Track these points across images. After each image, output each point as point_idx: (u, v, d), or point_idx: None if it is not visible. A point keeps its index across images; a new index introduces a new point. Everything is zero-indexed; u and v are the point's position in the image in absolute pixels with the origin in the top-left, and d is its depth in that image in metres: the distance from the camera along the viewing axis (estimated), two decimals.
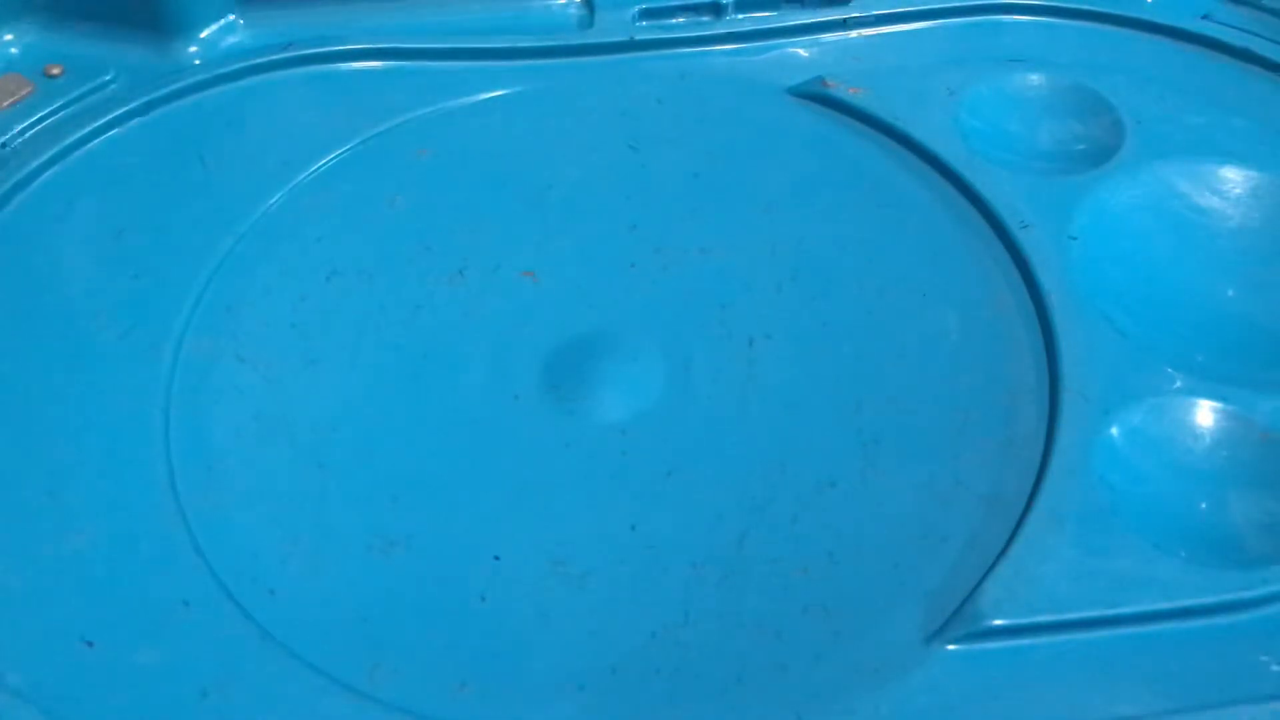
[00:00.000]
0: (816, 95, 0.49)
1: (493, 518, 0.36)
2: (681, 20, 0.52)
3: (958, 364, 0.40)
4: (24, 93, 0.48)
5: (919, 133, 0.46)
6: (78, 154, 0.47)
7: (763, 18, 0.52)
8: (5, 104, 0.48)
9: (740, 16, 0.52)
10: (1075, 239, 0.43)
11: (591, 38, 0.51)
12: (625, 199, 0.46)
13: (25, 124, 0.47)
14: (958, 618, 0.34)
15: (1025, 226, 0.43)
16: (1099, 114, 0.47)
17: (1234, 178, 0.45)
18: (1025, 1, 0.52)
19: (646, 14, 0.52)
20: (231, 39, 0.51)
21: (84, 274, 0.43)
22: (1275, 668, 0.33)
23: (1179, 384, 0.38)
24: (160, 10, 0.50)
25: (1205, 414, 0.38)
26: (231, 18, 0.51)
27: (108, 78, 0.49)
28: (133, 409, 0.39)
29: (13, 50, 0.51)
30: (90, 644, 0.34)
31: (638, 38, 0.51)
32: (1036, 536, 0.35)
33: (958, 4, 0.52)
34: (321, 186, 0.46)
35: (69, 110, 0.48)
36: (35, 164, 0.46)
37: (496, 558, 0.35)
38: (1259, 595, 0.34)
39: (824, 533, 0.36)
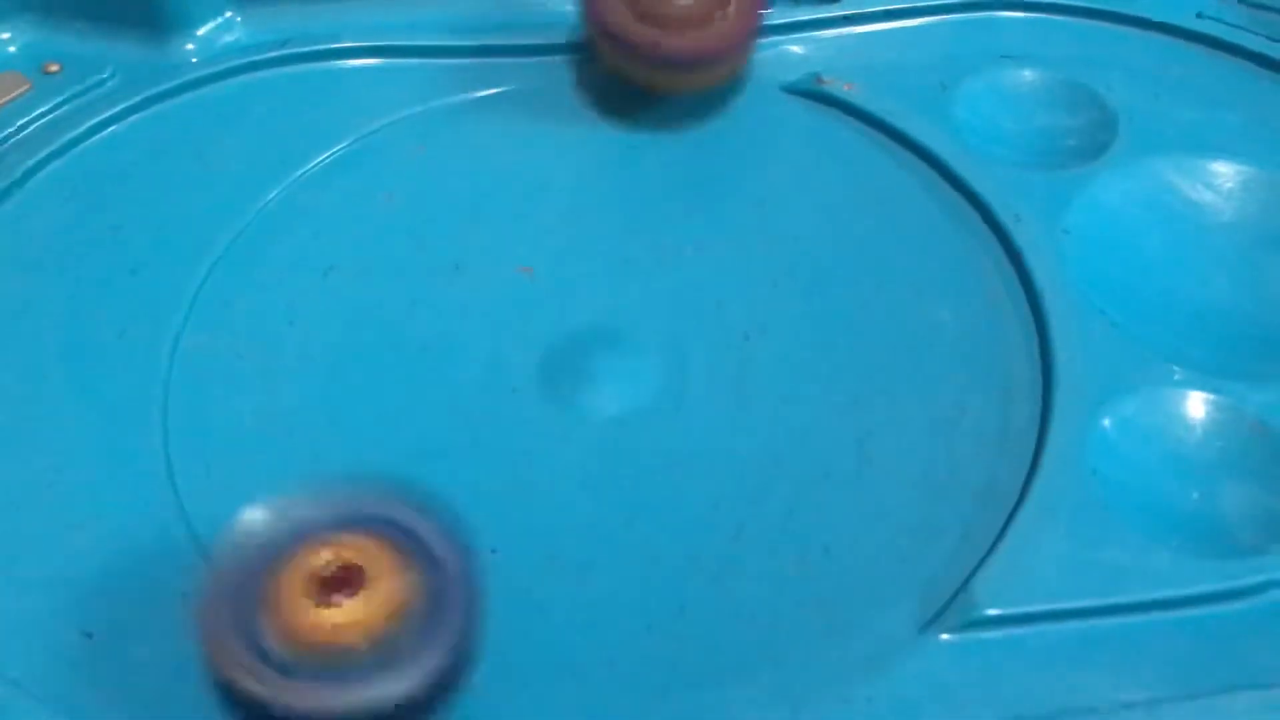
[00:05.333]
0: (811, 92, 0.49)
1: (489, 511, 0.37)
2: None
3: (951, 357, 0.40)
4: (21, 90, 0.48)
5: (913, 128, 0.47)
6: (75, 151, 0.47)
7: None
8: (2, 101, 0.48)
9: None
10: (1068, 233, 0.43)
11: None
12: (621, 195, 0.46)
13: (22, 121, 0.47)
14: (952, 608, 0.34)
15: (1018, 220, 0.43)
16: (1092, 109, 0.47)
17: (1226, 172, 0.45)
18: None
19: None
20: (229, 36, 0.51)
21: (81, 271, 0.43)
22: (1266, 656, 0.33)
23: (1171, 376, 0.39)
24: (158, 8, 0.50)
25: (1197, 406, 0.38)
26: (229, 15, 0.51)
27: (105, 75, 0.49)
28: (131, 404, 0.39)
29: (10, 48, 0.51)
30: (89, 636, 0.34)
31: None
32: (1030, 528, 0.35)
33: (951, 0, 0.52)
34: (318, 183, 0.46)
35: (66, 107, 0.48)
36: (32, 161, 0.46)
37: (493, 550, 0.36)
38: (1250, 584, 0.34)
39: (819, 525, 0.36)
